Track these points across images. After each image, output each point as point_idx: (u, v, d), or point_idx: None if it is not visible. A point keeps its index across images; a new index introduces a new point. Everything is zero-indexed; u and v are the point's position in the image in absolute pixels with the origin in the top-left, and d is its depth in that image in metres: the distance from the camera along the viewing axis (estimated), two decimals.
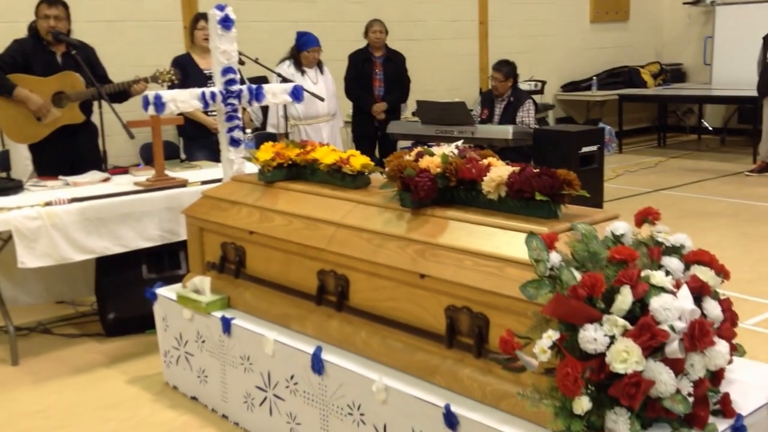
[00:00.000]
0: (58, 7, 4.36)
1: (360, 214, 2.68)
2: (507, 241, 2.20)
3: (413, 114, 6.80)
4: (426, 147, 2.65)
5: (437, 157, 2.52)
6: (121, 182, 4.11)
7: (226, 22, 3.42)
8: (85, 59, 4.33)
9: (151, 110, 3.28)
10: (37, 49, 4.38)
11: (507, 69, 6.18)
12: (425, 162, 2.51)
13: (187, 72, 5.08)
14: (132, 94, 4.48)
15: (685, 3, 10.84)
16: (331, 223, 2.71)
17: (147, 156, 5.89)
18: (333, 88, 6.08)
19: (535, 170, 2.30)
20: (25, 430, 3.12)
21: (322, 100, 5.61)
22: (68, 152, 4.48)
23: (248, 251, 3.05)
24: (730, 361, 1.99)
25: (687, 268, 2.03)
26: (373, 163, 2.91)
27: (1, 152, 5.83)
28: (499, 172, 2.37)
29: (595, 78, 10.10)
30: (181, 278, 3.43)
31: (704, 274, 2.00)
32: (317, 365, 2.57)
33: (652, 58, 11.08)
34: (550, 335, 1.82)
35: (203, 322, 3.11)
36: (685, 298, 1.88)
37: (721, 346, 1.90)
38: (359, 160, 2.88)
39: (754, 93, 7.98)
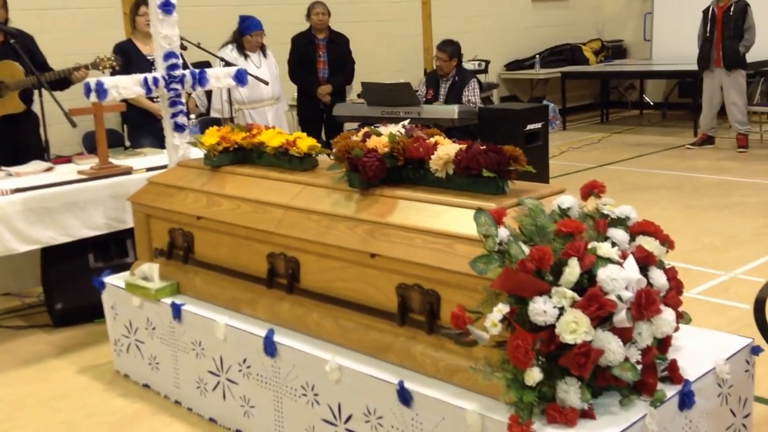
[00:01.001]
0: None
1: (308, 196, 2.66)
2: (456, 217, 2.22)
3: (359, 96, 6.78)
4: (373, 127, 2.65)
5: (384, 137, 2.52)
6: (65, 171, 4.02)
7: (167, 7, 3.36)
8: (24, 48, 4.22)
9: (93, 97, 3.21)
10: None
11: (451, 49, 6.20)
12: (373, 142, 2.51)
13: (129, 58, 4.98)
14: (73, 82, 4.40)
15: None
16: (279, 206, 2.69)
17: (90, 144, 5.75)
18: (277, 72, 6.02)
19: (481, 147, 2.32)
20: None
21: (266, 83, 5.56)
22: (9, 142, 4.40)
23: (196, 236, 3.01)
24: (677, 329, 2.05)
25: (632, 238, 2.07)
26: (320, 145, 2.89)
27: None
28: (446, 150, 2.39)
29: (537, 56, 10.21)
30: (128, 266, 3.37)
31: (649, 244, 2.05)
32: (270, 348, 2.56)
33: (594, 36, 11.24)
34: (501, 309, 1.85)
35: (153, 309, 3.07)
36: (631, 268, 1.92)
37: (668, 314, 1.96)
38: (306, 142, 2.86)
39: (694, 67, 8.18)
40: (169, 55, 3.39)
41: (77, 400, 3.21)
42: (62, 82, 4.37)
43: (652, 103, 10.99)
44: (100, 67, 4.29)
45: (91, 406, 3.15)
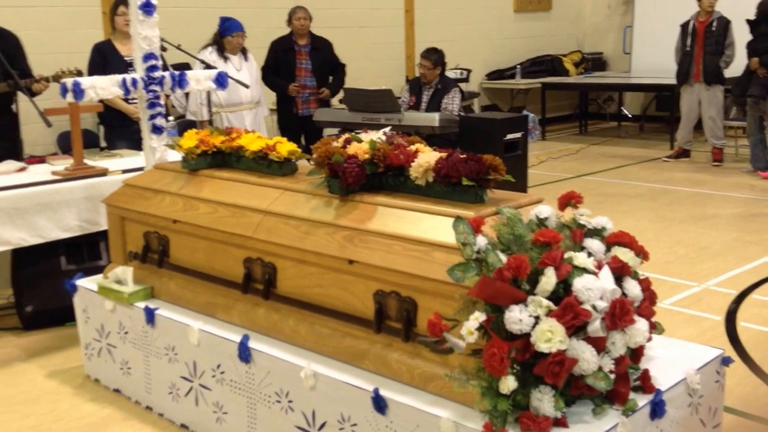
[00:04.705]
0: None
1: (287, 201, 2.65)
2: (434, 225, 2.22)
3: (340, 101, 6.77)
4: (354, 134, 2.64)
5: (365, 143, 2.52)
6: (38, 171, 3.96)
7: (147, 7, 3.32)
8: (3, 51, 4.15)
9: (70, 97, 3.17)
10: None
11: (436, 57, 6.21)
12: (353, 148, 2.50)
13: (107, 59, 4.94)
14: (34, 93, 4.31)
15: None
16: (257, 211, 2.68)
17: (65, 145, 5.68)
18: (257, 75, 5.99)
19: (461, 156, 2.32)
20: None
21: (246, 87, 5.52)
22: None
23: (172, 240, 2.98)
24: (650, 339, 2.06)
25: (608, 249, 2.09)
26: (300, 150, 2.88)
27: None
28: (426, 157, 2.39)
29: (519, 66, 10.27)
30: (101, 269, 3.33)
31: (624, 255, 2.06)
32: (244, 353, 2.54)
33: (574, 47, 11.35)
34: (477, 317, 1.85)
35: (126, 313, 3.03)
36: (606, 278, 1.93)
37: (641, 325, 1.97)
38: (286, 147, 2.85)
39: (672, 81, 8.27)
40: (148, 57, 3.35)
41: (46, 404, 3.16)
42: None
43: (630, 116, 11.10)
44: (62, 81, 4.23)
45: (60, 411, 3.10)
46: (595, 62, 11.30)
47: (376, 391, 2.17)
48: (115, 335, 3.12)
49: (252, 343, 2.55)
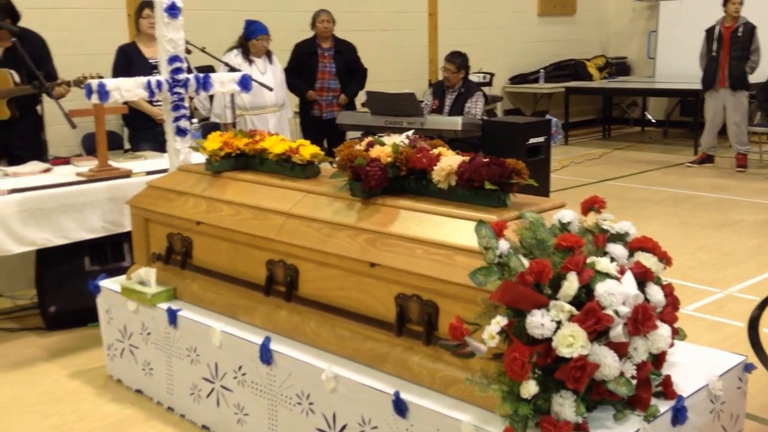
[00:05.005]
0: None
1: (310, 203, 2.66)
2: (456, 229, 2.21)
3: (363, 105, 6.79)
4: (376, 137, 2.65)
5: (388, 146, 2.52)
6: (63, 173, 4.01)
7: (172, 10, 3.35)
8: (30, 53, 4.22)
9: (95, 99, 3.19)
10: None
11: (459, 60, 6.21)
12: (376, 151, 2.51)
13: (132, 61, 4.99)
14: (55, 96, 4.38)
15: None
16: (280, 213, 2.69)
17: (89, 146, 5.75)
18: (282, 78, 6.02)
19: (484, 160, 2.32)
20: None
21: (270, 89, 5.55)
22: (1, 146, 4.44)
23: (195, 242, 3.00)
24: (672, 345, 2.04)
25: (631, 254, 2.07)
26: (323, 153, 2.89)
27: None
28: (449, 161, 2.39)
29: (542, 71, 10.24)
30: (124, 270, 3.36)
31: (647, 260, 2.05)
32: (266, 355, 2.55)
33: (598, 52, 11.28)
34: (499, 321, 1.84)
35: (148, 314, 3.06)
36: (629, 283, 1.92)
37: (663, 330, 1.95)
38: (309, 150, 2.86)
39: (696, 86, 8.19)
40: (173, 59, 3.38)
41: (68, 404, 3.19)
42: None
43: (653, 121, 11.01)
44: (81, 86, 4.28)
45: (82, 411, 3.13)
46: (619, 67, 11.23)
47: (396, 394, 2.17)
48: (137, 336, 3.15)
49: (273, 345, 2.56)
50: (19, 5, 4.56)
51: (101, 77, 4.24)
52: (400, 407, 2.15)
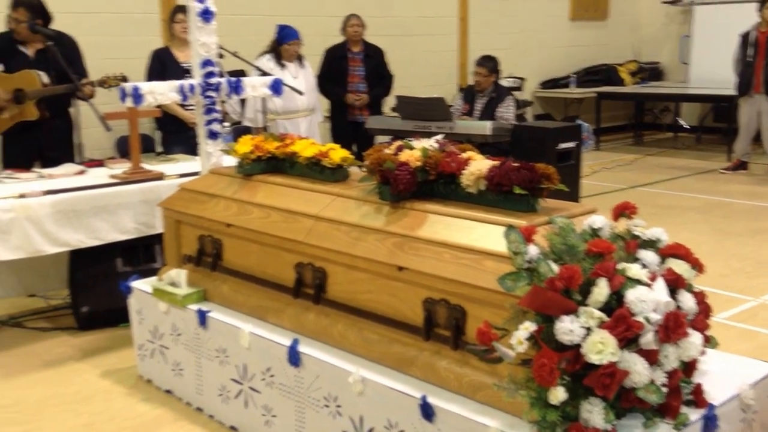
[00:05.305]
0: (18, 10, 4.40)
1: (338, 207, 2.67)
2: (485, 233, 2.21)
3: (392, 109, 6.80)
4: (406, 141, 2.65)
5: (417, 150, 2.52)
6: (97, 175, 4.07)
7: (206, 15, 3.39)
8: (62, 55, 4.30)
9: (129, 102, 3.24)
10: (12, 47, 4.45)
11: (491, 64, 6.20)
12: (405, 155, 2.51)
13: (165, 65, 5.06)
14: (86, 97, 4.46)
15: (663, 2, 10.94)
16: (309, 216, 2.70)
17: (123, 149, 5.83)
18: (313, 82, 6.05)
19: (514, 164, 2.31)
20: None
21: (301, 94, 5.59)
22: (32, 146, 4.53)
23: (225, 244, 3.03)
24: (703, 353, 2.01)
25: (663, 261, 2.05)
26: (352, 157, 2.90)
27: None
28: (478, 165, 2.38)
29: (573, 75, 10.17)
30: (155, 271, 3.40)
31: (679, 267, 2.02)
32: (294, 357, 2.57)
33: (630, 57, 11.17)
34: (527, 327, 1.83)
35: (179, 315, 3.09)
36: (660, 290, 1.90)
37: (695, 338, 1.93)
38: (338, 154, 2.87)
39: (730, 92, 8.08)
40: (206, 63, 3.42)
41: (99, 403, 3.23)
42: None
43: (686, 126, 10.86)
44: (106, 85, 4.35)
45: (112, 411, 3.17)
46: (652, 72, 11.10)
47: (424, 398, 2.16)
48: (168, 337, 3.19)
49: (301, 347, 2.57)
50: (55, 9, 4.65)
51: (125, 78, 4.32)
52: (428, 411, 2.15)
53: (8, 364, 3.62)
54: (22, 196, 3.57)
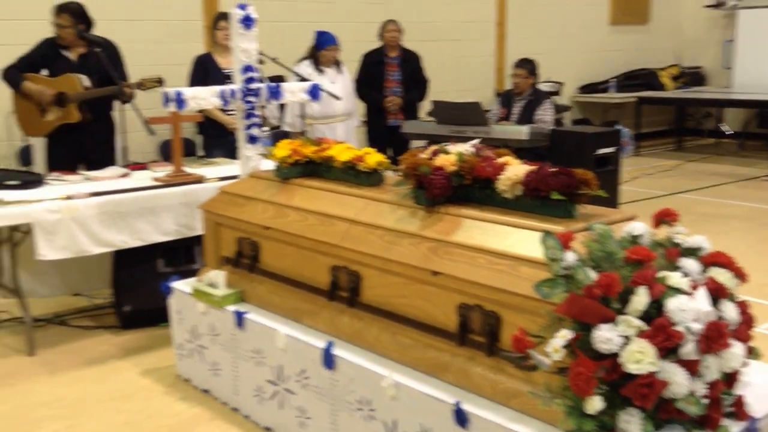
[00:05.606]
0: (62, 16, 4.51)
1: (373, 211, 2.68)
2: (521, 239, 2.20)
3: (428, 114, 6.79)
4: (441, 145, 2.65)
5: (452, 155, 2.52)
6: (141, 177, 4.15)
7: (247, 21, 3.44)
8: (106, 58, 4.40)
9: (172, 107, 3.30)
10: (56, 52, 4.57)
11: (530, 66, 6.18)
12: (440, 160, 2.51)
13: (207, 70, 5.14)
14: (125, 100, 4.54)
15: (705, 6, 10.76)
16: (344, 220, 2.72)
17: (166, 152, 5.93)
18: (350, 87, 6.08)
19: (551, 169, 2.29)
20: (39, 420, 3.15)
21: (338, 99, 5.62)
22: (75, 149, 4.64)
23: (263, 246, 3.06)
24: (745, 364, 1.97)
25: (704, 269, 2.01)
26: (388, 161, 2.91)
27: (23, 147, 5.91)
28: (515, 170, 2.37)
29: (613, 80, 10.05)
30: (195, 272, 3.45)
31: (721, 276, 1.98)
32: (328, 360, 2.58)
33: (672, 61, 11.01)
34: (564, 334, 1.81)
35: (217, 315, 3.13)
36: (701, 299, 1.86)
37: (737, 349, 1.89)
38: (374, 158, 2.89)
39: None
40: (246, 69, 3.47)
41: (139, 401, 3.29)
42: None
43: (729, 132, 10.66)
44: (143, 87, 4.44)
45: (151, 409, 3.22)
46: (694, 76, 10.93)
47: (457, 404, 2.16)
48: (206, 337, 3.23)
49: (336, 350, 2.59)
50: (100, 16, 4.75)
51: (161, 80, 4.41)
52: (461, 417, 2.14)
53: (52, 362, 3.71)
54: (68, 197, 3.66)
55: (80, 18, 4.55)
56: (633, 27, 10.61)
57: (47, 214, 3.56)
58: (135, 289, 4.07)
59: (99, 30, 4.73)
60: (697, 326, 1.81)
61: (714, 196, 7.27)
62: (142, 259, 4.05)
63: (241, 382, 3.07)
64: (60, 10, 4.51)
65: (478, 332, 2.25)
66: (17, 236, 3.83)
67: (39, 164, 5.43)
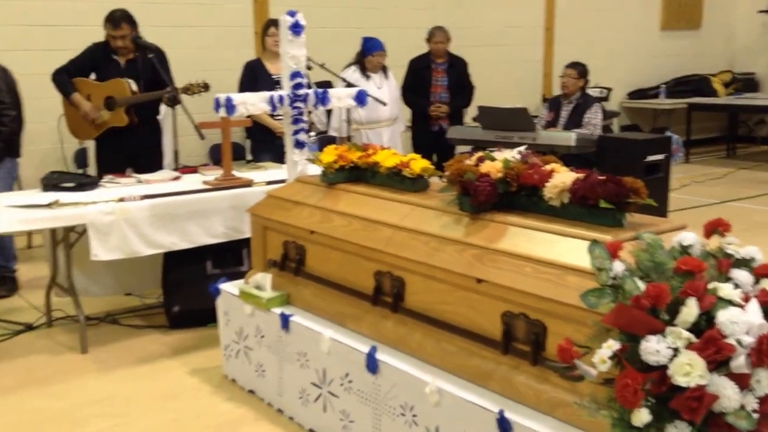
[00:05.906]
0: (122, 26, 4.62)
1: (418, 217, 2.69)
2: (568, 248, 2.18)
3: (474, 119, 6.77)
4: (488, 152, 2.65)
5: (498, 161, 2.51)
6: (191, 181, 4.23)
7: (296, 28, 3.48)
8: (150, 65, 4.55)
9: (222, 112, 3.36)
10: (105, 57, 4.71)
11: (580, 68, 6.14)
12: (486, 167, 2.51)
13: (256, 76, 5.21)
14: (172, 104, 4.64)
15: (760, 12, 10.51)
16: (389, 225, 2.73)
17: (215, 156, 6.03)
18: (396, 93, 6.11)
19: (600, 177, 2.27)
20: (89, 417, 3.23)
21: (384, 104, 5.64)
22: (123, 152, 4.76)
23: (308, 250, 3.09)
24: None
25: (757, 281, 1.97)
26: (433, 167, 2.92)
27: (79, 150, 6.09)
28: (562, 178, 2.35)
29: (663, 86, 9.88)
30: (243, 274, 3.50)
31: None
32: (371, 364, 2.59)
33: (724, 67, 10.77)
34: (611, 345, 1.79)
35: (263, 317, 3.17)
36: (753, 312, 1.82)
37: None
38: (419, 164, 2.90)
39: None
40: (294, 75, 3.51)
41: (186, 400, 3.35)
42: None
43: None
44: (189, 92, 4.53)
45: (199, 408, 3.28)
46: (747, 83, 10.67)
47: (501, 413, 2.15)
48: (252, 338, 3.28)
49: (379, 355, 2.60)
50: (152, 23, 4.87)
51: (206, 85, 4.50)
52: (505, 426, 2.14)
53: (104, 359, 3.80)
54: (121, 200, 3.75)
55: (134, 25, 4.67)
56: (684, 32, 10.42)
57: (101, 215, 3.66)
58: (184, 290, 4.14)
59: (151, 36, 4.85)
60: (749, 339, 1.77)
61: (767, 204, 7.08)
62: (192, 260, 4.12)
63: (285, 384, 3.10)
64: (118, 20, 4.61)
65: (522, 341, 2.24)
66: (72, 237, 3.95)
67: (93, 166, 5.58)
